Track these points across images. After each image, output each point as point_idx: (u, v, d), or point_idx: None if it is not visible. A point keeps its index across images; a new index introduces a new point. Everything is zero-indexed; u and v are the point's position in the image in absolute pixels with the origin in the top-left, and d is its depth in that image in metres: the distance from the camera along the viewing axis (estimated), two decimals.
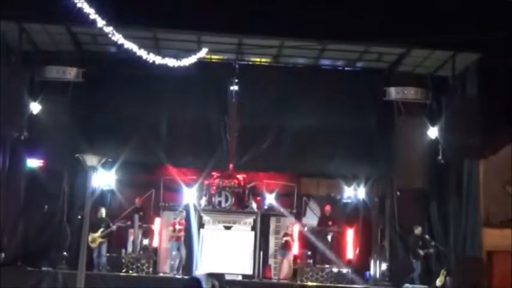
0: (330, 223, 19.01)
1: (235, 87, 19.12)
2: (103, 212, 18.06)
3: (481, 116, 17.46)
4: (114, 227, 17.89)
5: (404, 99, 19.06)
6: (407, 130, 18.80)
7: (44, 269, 16.91)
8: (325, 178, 20.85)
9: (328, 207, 19.26)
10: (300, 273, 18.09)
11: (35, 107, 18.11)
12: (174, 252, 17.85)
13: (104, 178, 18.83)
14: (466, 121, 17.45)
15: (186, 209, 18.55)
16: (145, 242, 18.66)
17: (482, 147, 17.90)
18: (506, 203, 18.60)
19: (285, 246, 18.28)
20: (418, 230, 18.11)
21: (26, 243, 17.90)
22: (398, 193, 19.07)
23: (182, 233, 17.94)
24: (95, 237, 17.50)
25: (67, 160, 17.29)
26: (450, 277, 17.10)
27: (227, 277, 16.83)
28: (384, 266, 18.57)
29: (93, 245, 17.47)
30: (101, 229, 17.64)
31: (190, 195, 18.91)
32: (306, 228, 19.05)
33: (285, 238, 18.30)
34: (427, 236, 18.09)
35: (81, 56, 18.90)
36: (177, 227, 17.92)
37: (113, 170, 18.82)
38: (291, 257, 18.30)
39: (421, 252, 17.81)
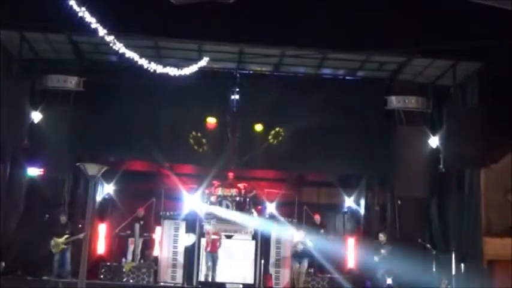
0: (321, 231, 18.88)
1: (236, 96, 19.19)
2: (64, 218, 17.69)
3: (482, 125, 17.48)
4: (81, 235, 17.73)
5: (405, 108, 19.14)
6: (408, 139, 18.77)
7: (45, 278, 16.84)
8: (325, 187, 20.85)
9: (317, 216, 19.11)
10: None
11: (36, 116, 18.10)
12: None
13: (104, 187, 18.83)
14: (467, 130, 17.48)
15: (187, 218, 18.51)
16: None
17: (483, 156, 17.87)
18: (507, 211, 18.53)
19: (300, 253, 18.09)
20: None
21: (26, 252, 17.83)
22: (399, 202, 19.08)
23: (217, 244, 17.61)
24: (58, 243, 17.24)
25: (68, 169, 17.38)
26: (451, 287, 17.05)
27: (228, 286, 16.87)
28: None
29: (55, 250, 17.23)
30: (66, 235, 17.37)
31: (190, 204, 18.86)
32: (305, 237, 18.96)
33: (299, 245, 18.14)
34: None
35: (82, 65, 18.90)
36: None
37: (114, 179, 18.81)
38: (306, 264, 18.09)
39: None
